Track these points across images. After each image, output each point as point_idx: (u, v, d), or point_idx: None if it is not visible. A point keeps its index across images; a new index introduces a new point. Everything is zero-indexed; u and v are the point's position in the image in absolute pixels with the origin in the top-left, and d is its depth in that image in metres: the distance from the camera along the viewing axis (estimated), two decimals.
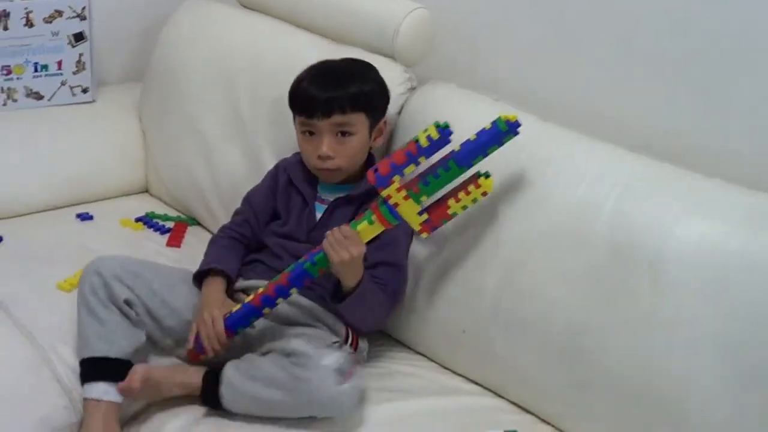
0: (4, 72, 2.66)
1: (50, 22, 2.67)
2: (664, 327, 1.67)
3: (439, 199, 1.81)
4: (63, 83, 2.74)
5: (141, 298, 1.90)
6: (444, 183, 1.78)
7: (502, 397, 1.95)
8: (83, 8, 2.70)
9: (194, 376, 1.84)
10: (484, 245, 1.92)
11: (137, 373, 1.81)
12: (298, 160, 2.11)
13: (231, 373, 1.80)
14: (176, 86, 2.57)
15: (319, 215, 2.05)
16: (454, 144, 1.78)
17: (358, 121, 1.96)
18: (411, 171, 1.77)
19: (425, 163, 1.80)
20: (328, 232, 1.83)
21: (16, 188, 2.49)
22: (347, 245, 1.80)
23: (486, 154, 1.75)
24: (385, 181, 1.78)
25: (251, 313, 1.85)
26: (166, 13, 2.70)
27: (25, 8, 2.64)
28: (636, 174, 1.79)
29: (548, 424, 1.88)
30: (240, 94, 2.37)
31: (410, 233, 2.01)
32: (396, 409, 1.88)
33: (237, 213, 2.16)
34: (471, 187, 1.77)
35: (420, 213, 1.79)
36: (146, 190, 2.72)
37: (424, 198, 1.79)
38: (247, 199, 2.16)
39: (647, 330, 1.69)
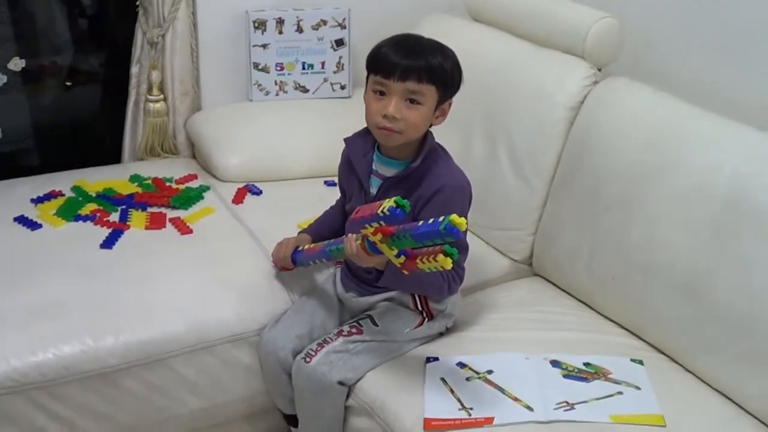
0: (278, 68, 3.07)
1: (316, 29, 3.06)
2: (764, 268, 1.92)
3: (414, 250, 1.79)
4: (325, 80, 3.13)
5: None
6: (407, 246, 1.77)
7: (643, 339, 2.21)
8: (344, 19, 3.07)
9: None
10: (631, 203, 2.19)
11: None
12: (359, 133, 2.18)
13: None
14: None
15: (374, 191, 2.10)
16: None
17: (429, 93, 1.97)
18: (376, 225, 1.79)
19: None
20: (347, 238, 1.94)
21: (280, 159, 2.91)
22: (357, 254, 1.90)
23: (433, 243, 1.71)
24: (360, 225, 1.82)
25: (307, 258, 2.22)
26: (414, 25, 2.87)
27: (297, 17, 3.03)
28: (756, 145, 2.04)
29: (676, 362, 2.12)
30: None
31: (468, 199, 2.05)
32: (537, 336, 2.19)
33: None
34: (431, 258, 1.72)
35: (397, 255, 1.80)
36: None
37: (394, 249, 1.79)
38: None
39: (748, 271, 1.94)
